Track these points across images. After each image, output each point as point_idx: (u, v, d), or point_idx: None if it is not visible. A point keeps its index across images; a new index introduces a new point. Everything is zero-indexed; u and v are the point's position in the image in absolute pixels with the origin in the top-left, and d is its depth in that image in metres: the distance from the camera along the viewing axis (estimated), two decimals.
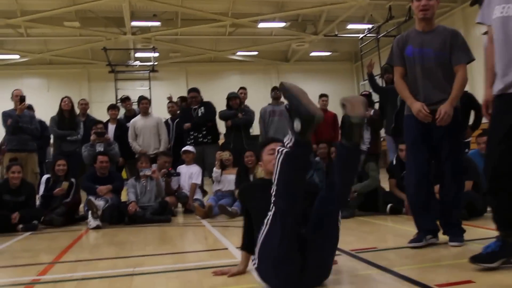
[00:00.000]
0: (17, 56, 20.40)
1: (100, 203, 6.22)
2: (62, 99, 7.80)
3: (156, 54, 19.66)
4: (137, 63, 20.44)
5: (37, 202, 6.61)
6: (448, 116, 3.65)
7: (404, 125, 4.05)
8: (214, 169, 7.24)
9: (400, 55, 3.99)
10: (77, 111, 8.14)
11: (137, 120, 7.94)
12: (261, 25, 18.27)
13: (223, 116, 7.97)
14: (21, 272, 3.76)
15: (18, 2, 16.12)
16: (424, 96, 3.84)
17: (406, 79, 3.98)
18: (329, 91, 9.16)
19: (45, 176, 6.86)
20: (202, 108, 7.86)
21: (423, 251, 3.66)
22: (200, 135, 7.77)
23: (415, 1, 3.80)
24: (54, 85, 20.72)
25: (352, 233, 4.76)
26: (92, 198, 6.23)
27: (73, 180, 6.72)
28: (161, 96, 15.94)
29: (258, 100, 9.26)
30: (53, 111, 8.01)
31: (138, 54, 20.67)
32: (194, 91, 8.03)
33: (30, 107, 7.77)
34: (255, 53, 22.14)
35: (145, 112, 7.97)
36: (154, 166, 7.13)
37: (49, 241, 5.29)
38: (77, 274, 3.48)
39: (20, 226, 5.96)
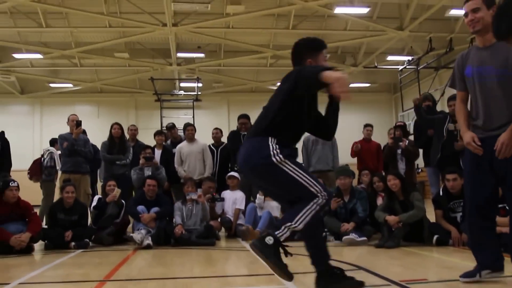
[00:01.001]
0: (70, 85, 21.09)
1: (142, 232, 6.25)
2: (112, 125, 8.00)
3: (200, 84, 19.99)
4: (182, 92, 20.84)
5: (89, 220, 6.72)
6: (507, 147, 3.18)
7: (465, 153, 3.61)
8: (258, 195, 7.25)
9: (460, 77, 3.57)
10: (127, 136, 8.30)
11: (183, 146, 8.03)
12: None
13: None
14: (76, 287, 3.80)
15: (73, 35, 16.71)
16: (484, 120, 3.40)
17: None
18: (369, 122, 9.05)
19: (97, 196, 6.98)
20: None
21: (477, 286, 3.36)
22: None
23: (465, 17, 3.43)
24: (103, 112, 21.26)
25: (399, 263, 4.63)
26: (134, 234, 6.26)
27: (123, 201, 6.81)
28: (204, 124, 16.17)
29: None
30: (103, 136, 8.22)
31: (182, 84, 21.05)
32: (244, 117, 8.05)
33: (83, 132, 7.98)
34: None
35: (191, 139, 8.06)
36: (200, 191, 7.16)
37: (99, 259, 5.35)
38: None
39: (73, 243, 6.07)
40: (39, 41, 16.99)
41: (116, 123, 7.96)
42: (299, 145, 8.07)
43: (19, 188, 5.91)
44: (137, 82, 21.59)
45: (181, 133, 8.99)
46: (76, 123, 7.43)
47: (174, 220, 6.72)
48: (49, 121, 20.41)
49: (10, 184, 5.81)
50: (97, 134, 8.17)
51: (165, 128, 9.36)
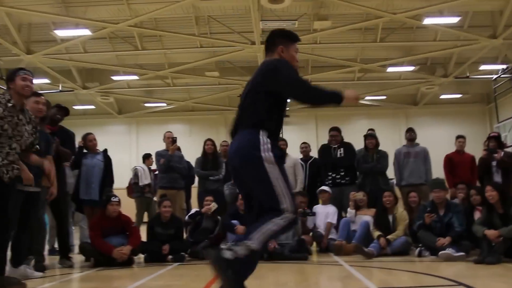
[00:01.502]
0: (164, 104, 22.06)
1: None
2: (205, 142, 8.20)
3: (288, 100, 20.07)
4: None
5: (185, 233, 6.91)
6: None
7: None
8: (348, 209, 7.14)
9: None
10: (219, 152, 8.48)
11: None
12: (390, 69, 17.93)
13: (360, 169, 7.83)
14: None
15: (166, 56, 17.51)
16: None
17: None
18: (461, 134, 8.61)
19: (195, 209, 7.15)
20: (342, 149, 7.78)
21: None
22: (338, 176, 7.66)
23: None
24: (195, 130, 21.96)
25: (503, 280, 4.34)
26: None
27: (219, 217, 6.94)
28: (293, 140, 16.18)
29: (386, 144, 8.96)
30: (195, 153, 8.45)
31: None
32: (335, 130, 7.98)
33: (178, 148, 8.26)
34: (383, 97, 21.70)
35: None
36: None
37: (196, 272, 5.47)
38: None
39: (170, 256, 6.27)
40: (135, 63, 17.98)
41: (209, 139, 8.18)
42: (391, 158, 7.93)
43: (120, 203, 6.20)
44: (227, 99, 22.12)
45: None
46: (171, 140, 7.73)
47: None
48: (144, 139, 21.41)
49: (112, 199, 6.12)
50: (189, 152, 8.42)
51: None
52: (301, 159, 8.45)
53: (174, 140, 7.72)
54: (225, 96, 21.65)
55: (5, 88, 4.53)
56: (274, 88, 3.12)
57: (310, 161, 8.38)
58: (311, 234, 7.21)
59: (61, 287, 4.71)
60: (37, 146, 4.53)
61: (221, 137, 20.71)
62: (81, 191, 6.64)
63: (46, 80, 18.70)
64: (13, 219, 4.46)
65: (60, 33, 14.51)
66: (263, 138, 3.00)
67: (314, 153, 8.67)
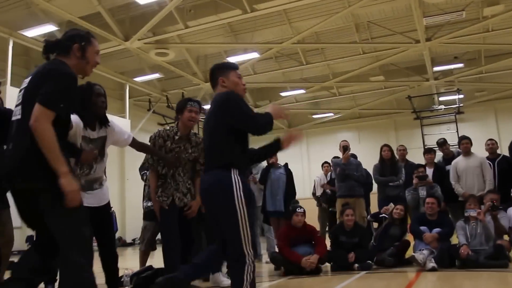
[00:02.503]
0: (331, 114, 22.17)
1: (424, 253, 5.99)
2: (382, 148, 8.00)
3: (461, 96, 18.76)
4: (442, 107, 19.84)
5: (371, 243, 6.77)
6: None
7: None
8: None
9: None
10: (396, 157, 8.19)
11: (459, 161, 7.51)
12: None
13: None
14: None
15: (329, 67, 17.59)
16: None
17: None
18: None
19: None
20: None
21: None
22: None
23: None
24: (364, 137, 21.63)
25: None
26: (416, 254, 6.04)
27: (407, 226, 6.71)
28: (470, 137, 15.00)
29: None
30: (366, 161, 8.27)
31: (442, 98, 20.04)
32: None
33: (354, 156, 8.17)
34: None
35: (467, 153, 7.51)
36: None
37: (386, 281, 5.31)
38: None
39: (356, 265, 6.18)
40: (300, 77, 18.41)
41: (386, 145, 7.97)
42: None
43: (304, 214, 6.31)
44: (394, 102, 21.42)
45: (452, 148, 8.48)
46: (343, 148, 7.70)
47: (458, 240, 6.28)
48: (314, 150, 21.71)
49: (297, 210, 6.25)
50: (360, 159, 8.25)
51: (435, 145, 8.89)
52: (487, 157, 7.74)
53: (345, 148, 7.66)
54: (392, 99, 20.99)
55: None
56: (230, 121, 3.18)
57: (499, 159, 7.63)
58: (508, 238, 6.52)
59: None
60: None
61: (392, 141, 20.22)
62: (268, 203, 6.93)
63: None
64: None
65: (232, 59, 15.50)
66: (235, 177, 3.07)
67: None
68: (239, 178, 3.09)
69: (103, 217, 3.98)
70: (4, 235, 4.06)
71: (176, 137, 4.57)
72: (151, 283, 4.81)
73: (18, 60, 13.86)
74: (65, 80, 2.70)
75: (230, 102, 3.22)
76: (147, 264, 5.81)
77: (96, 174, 3.93)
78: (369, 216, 6.95)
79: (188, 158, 4.63)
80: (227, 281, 4.96)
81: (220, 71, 3.47)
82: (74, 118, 3.59)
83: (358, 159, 8.20)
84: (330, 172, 9.44)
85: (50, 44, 2.92)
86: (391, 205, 6.76)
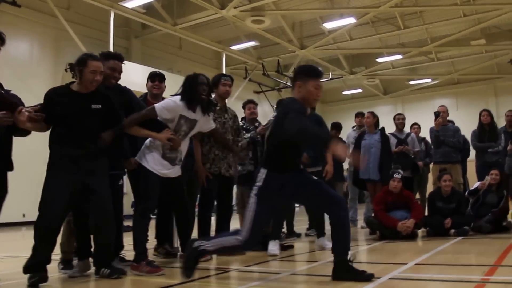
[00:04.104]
0: (429, 80, 21.30)
1: None
2: (481, 113, 7.67)
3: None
4: None
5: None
6: None
7: None
8: None
9: None
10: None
11: None
12: None
13: None
14: (468, 271, 3.83)
15: (428, 31, 16.83)
16: None
17: None
18: None
19: (478, 183, 6.78)
20: None
21: None
22: None
23: None
24: (462, 103, 20.63)
25: None
26: None
27: (504, 192, 6.48)
28: None
29: None
30: (463, 126, 7.96)
31: None
32: None
33: (452, 122, 7.93)
34: None
35: None
36: None
37: (483, 246, 5.24)
38: None
39: (452, 231, 6.11)
40: (397, 43, 17.82)
41: (485, 110, 7.63)
42: None
43: (401, 180, 6.27)
44: (495, 67, 20.12)
45: None
46: (434, 115, 7.50)
47: None
48: (411, 116, 20.97)
49: (394, 175, 6.21)
50: (459, 126, 7.98)
51: None
52: None
53: (436, 115, 7.45)
54: (493, 64, 19.75)
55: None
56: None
57: None
58: None
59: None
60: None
61: (492, 107, 19.07)
62: (361, 171, 6.93)
63: None
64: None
65: (328, 25, 15.35)
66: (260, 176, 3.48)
67: None
68: (262, 178, 3.46)
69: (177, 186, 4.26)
70: None
71: (217, 108, 4.91)
72: None
73: (119, 31, 14.47)
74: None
75: (286, 107, 3.48)
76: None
77: (179, 153, 4.19)
78: (466, 193, 6.76)
79: (232, 127, 5.10)
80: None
81: (301, 75, 3.56)
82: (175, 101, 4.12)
83: (459, 126, 7.93)
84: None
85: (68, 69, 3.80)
86: (487, 178, 6.53)
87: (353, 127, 8.51)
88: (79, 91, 3.72)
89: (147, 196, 4.03)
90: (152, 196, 4.04)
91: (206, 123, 4.38)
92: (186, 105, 4.10)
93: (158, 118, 4.02)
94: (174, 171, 4.13)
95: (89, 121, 3.71)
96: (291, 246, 5.54)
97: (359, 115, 8.29)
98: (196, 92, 4.13)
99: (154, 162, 4.02)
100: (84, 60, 3.65)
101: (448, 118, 7.83)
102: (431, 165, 7.92)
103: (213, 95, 4.81)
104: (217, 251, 3.72)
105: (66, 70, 3.87)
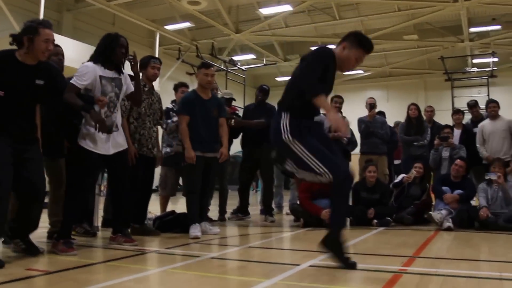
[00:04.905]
0: (361, 71, 21.84)
1: (442, 212, 6.02)
2: (409, 106, 7.89)
3: (495, 59, 18.20)
4: (474, 69, 19.35)
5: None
6: None
7: None
8: None
9: None
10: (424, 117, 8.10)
11: (486, 124, 7.39)
12: None
13: None
14: (387, 261, 3.89)
15: (363, 23, 17.21)
16: None
17: None
18: None
19: (401, 176, 7.00)
20: None
21: None
22: None
23: None
24: (393, 96, 21.36)
25: None
26: (433, 213, 6.07)
27: (427, 184, 6.70)
28: (501, 102, 14.64)
29: None
30: (393, 119, 8.18)
31: (475, 60, 19.53)
32: None
33: (382, 114, 8.10)
34: None
35: (494, 116, 7.36)
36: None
37: (403, 237, 5.38)
38: (441, 270, 3.39)
39: (375, 221, 6.25)
40: (332, 33, 18.07)
41: (413, 104, 7.85)
42: None
43: None
44: (426, 62, 20.96)
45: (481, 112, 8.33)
46: (369, 106, 7.64)
47: (479, 202, 6.28)
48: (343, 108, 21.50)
49: None
50: (388, 118, 8.21)
51: (465, 108, 8.68)
52: None
53: (371, 106, 7.60)
54: (424, 59, 20.55)
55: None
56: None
57: None
58: None
59: (272, 244, 5.07)
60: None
61: (421, 101, 19.91)
62: None
63: (252, 56, 19.95)
64: (195, 183, 5.09)
65: (264, 11, 15.29)
66: (282, 121, 3.28)
67: None
68: (286, 122, 3.29)
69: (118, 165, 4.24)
70: (62, 185, 4.27)
71: (146, 89, 4.95)
72: (173, 226, 5.24)
73: (51, 3, 13.97)
74: None
75: (314, 55, 3.34)
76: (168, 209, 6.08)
77: (114, 118, 4.13)
78: (391, 185, 6.95)
79: (159, 108, 5.16)
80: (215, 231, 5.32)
81: (353, 39, 3.46)
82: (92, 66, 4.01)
83: (387, 118, 8.13)
84: None
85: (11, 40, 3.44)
86: (413, 172, 6.74)
87: None
88: (24, 61, 3.46)
89: (81, 177, 3.98)
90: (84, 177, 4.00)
91: (128, 84, 4.31)
92: (102, 65, 4.05)
93: (81, 91, 3.91)
94: (112, 145, 4.05)
95: (28, 98, 3.52)
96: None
97: None
98: (115, 52, 4.09)
99: (90, 140, 3.93)
100: (34, 28, 3.40)
101: (379, 109, 8.00)
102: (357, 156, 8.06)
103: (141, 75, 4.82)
104: (343, 220, 3.65)
105: (10, 44, 3.52)
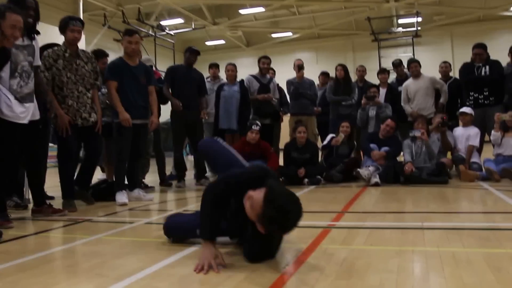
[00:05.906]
0: (290, 34, 21.94)
1: (370, 169, 6.28)
2: (336, 67, 8.01)
3: (420, 19, 18.86)
4: (400, 29, 19.99)
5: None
6: None
7: None
8: (493, 132, 6.63)
9: None
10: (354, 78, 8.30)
11: (409, 84, 7.69)
12: None
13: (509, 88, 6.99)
14: (317, 217, 4.02)
15: None
16: None
17: None
18: None
19: (330, 136, 7.20)
20: (487, 66, 6.99)
21: None
22: (481, 96, 6.97)
23: None
24: (322, 58, 21.70)
25: None
26: (361, 169, 6.32)
27: (355, 142, 6.93)
28: (425, 61, 15.25)
29: None
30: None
31: (401, 21, 20.15)
32: (480, 47, 7.12)
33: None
34: None
35: (417, 75, 7.64)
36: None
37: (333, 194, 5.58)
38: (368, 223, 3.56)
39: (306, 180, 6.43)
40: None
41: (340, 65, 7.98)
42: None
43: (259, 132, 6.38)
44: (353, 24, 21.37)
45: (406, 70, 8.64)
46: (297, 67, 7.72)
47: (403, 157, 6.60)
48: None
49: (253, 127, 6.29)
50: (317, 80, 8.37)
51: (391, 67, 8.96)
52: (440, 79, 7.93)
53: (299, 67, 7.69)
54: (352, 20, 20.93)
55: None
56: None
57: (450, 81, 7.87)
58: (451, 156, 6.89)
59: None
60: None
61: (349, 62, 20.40)
62: (221, 121, 6.95)
63: (180, 20, 19.48)
64: (125, 150, 5.11)
65: None
66: None
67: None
68: None
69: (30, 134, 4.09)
70: None
71: (67, 55, 4.69)
72: (108, 194, 5.25)
73: None
74: None
75: None
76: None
77: (29, 89, 3.94)
78: (321, 147, 7.15)
79: (89, 71, 4.86)
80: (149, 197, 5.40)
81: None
82: None
83: (316, 78, 8.25)
84: None
85: None
86: (341, 135, 6.93)
87: (208, 77, 8.27)
88: None
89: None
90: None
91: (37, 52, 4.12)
92: None
93: None
94: (28, 112, 3.86)
95: None
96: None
97: (213, 66, 8.26)
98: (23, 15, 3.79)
99: (6, 108, 3.70)
100: (1, 12, 3.18)
101: (309, 71, 8.10)
102: (286, 116, 8.17)
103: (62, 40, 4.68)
104: None
105: None
